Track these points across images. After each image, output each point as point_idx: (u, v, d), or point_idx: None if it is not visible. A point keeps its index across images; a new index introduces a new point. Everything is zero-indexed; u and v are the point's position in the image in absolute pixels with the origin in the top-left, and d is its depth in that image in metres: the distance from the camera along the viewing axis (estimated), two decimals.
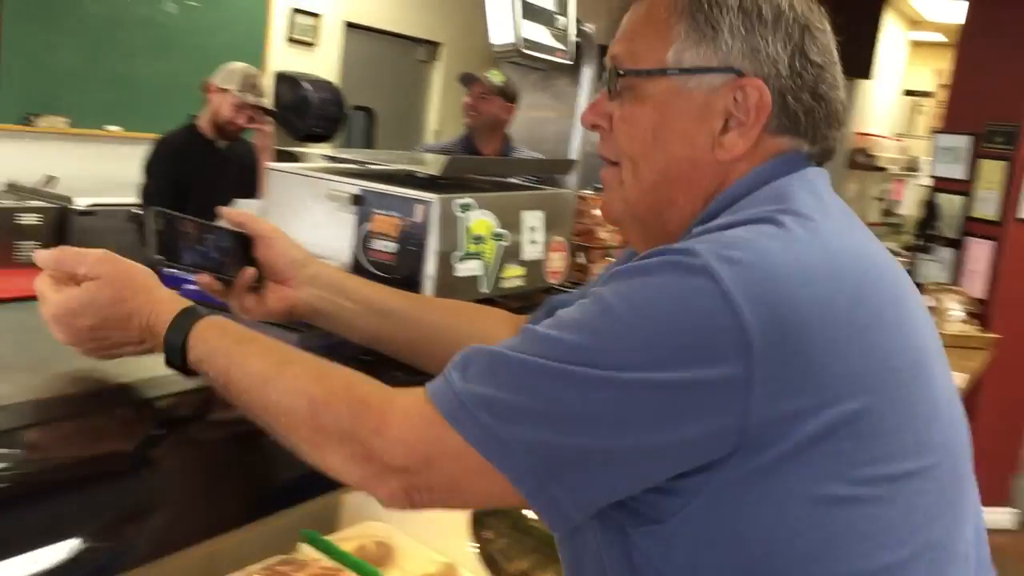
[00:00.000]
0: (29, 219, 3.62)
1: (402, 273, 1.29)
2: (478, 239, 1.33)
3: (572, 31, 1.50)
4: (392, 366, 1.16)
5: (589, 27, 1.57)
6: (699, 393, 0.73)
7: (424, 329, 1.14)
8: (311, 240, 1.36)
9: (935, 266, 4.84)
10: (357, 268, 1.32)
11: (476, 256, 1.33)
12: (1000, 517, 4.51)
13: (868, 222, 8.27)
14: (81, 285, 0.95)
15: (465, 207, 1.31)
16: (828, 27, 0.91)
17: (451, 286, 1.30)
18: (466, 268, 1.32)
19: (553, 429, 0.74)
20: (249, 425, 0.88)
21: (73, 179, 4.14)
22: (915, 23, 9.31)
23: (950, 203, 4.76)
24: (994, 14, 4.55)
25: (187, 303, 0.95)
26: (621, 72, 0.91)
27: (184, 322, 0.91)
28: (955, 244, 4.69)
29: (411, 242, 1.28)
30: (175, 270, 1.13)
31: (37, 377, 1.01)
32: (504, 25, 1.37)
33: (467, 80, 3.80)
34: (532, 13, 1.41)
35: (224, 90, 3.52)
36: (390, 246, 1.29)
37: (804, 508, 0.76)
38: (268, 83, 5.30)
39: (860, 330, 0.77)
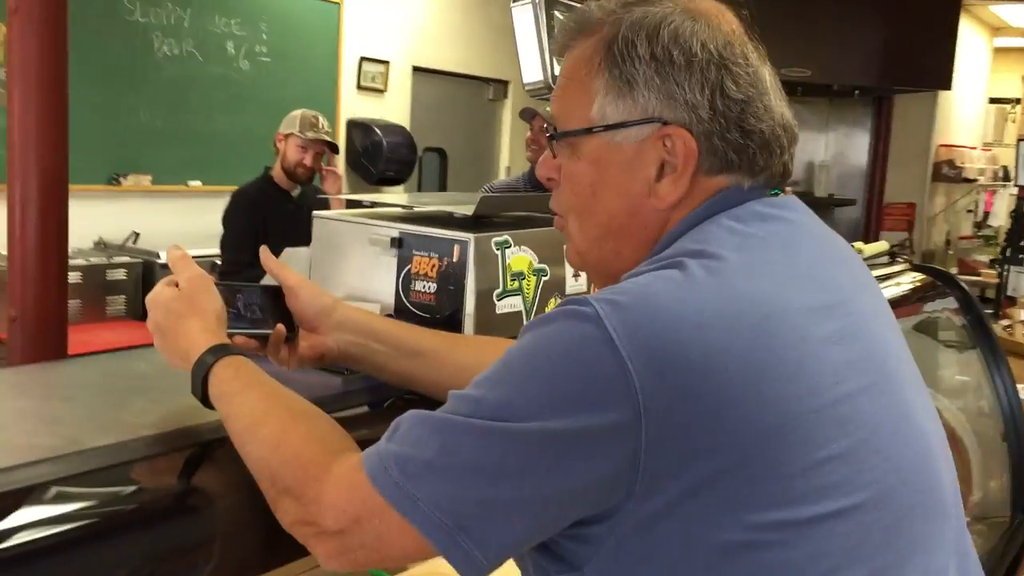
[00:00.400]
0: (116, 274, 3.80)
1: (443, 313, 1.31)
2: (518, 275, 1.35)
3: None
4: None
5: None
6: (590, 440, 0.74)
7: (453, 367, 1.15)
8: (356, 285, 1.40)
9: None
10: (400, 310, 1.35)
11: (516, 292, 1.35)
12: None
13: (960, 235, 8.04)
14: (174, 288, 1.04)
15: (502, 244, 1.32)
16: (752, 56, 0.90)
17: (492, 323, 1.31)
18: (506, 305, 1.33)
19: (455, 482, 0.77)
20: None
21: (157, 234, 4.32)
22: (997, 29, 9.06)
23: None
24: None
25: (223, 339, 1.00)
26: (553, 132, 0.94)
27: (209, 358, 0.96)
28: None
29: (450, 282, 1.30)
30: None
31: (121, 425, 1.05)
32: (533, 64, 1.39)
33: (528, 115, 3.85)
34: None
35: (287, 135, 3.69)
36: (430, 286, 1.32)
37: (705, 554, 0.77)
38: (340, 131, 5.45)
39: (756, 374, 0.76)
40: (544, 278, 1.40)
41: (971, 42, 8.42)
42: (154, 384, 1.16)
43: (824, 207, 7.58)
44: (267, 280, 1.22)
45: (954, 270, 7.65)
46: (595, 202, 0.92)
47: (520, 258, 1.35)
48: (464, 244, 1.28)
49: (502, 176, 6.56)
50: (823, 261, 0.90)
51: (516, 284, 1.35)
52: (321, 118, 3.74)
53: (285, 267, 1.16)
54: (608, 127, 0.89)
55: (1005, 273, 4.71)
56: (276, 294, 1.14)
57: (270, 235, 3.58)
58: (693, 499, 0.75)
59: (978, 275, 7.17)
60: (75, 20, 4.11)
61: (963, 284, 2.63)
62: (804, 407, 0.78)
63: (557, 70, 1.42)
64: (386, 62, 5.66)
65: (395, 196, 1.53)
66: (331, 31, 5.31)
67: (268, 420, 0.91)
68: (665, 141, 0.87)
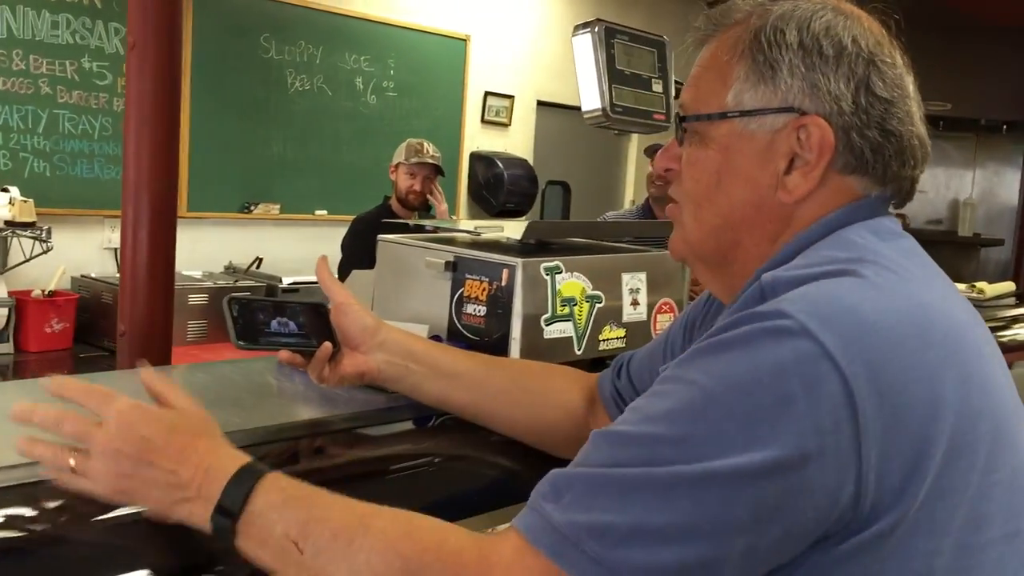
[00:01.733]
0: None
1: (491, 336, 1.32)
2: (568, 301, 1.35)
3: (671, 94, 1.50)
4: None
5: None
6: (816, 462, 0.68)
7: (490, 389, 1.16)
8: (414, 307, 1.43)
9: None
10: (452, 333, 1.37)
11: (566, 318, 1.35)
12: None
13: None
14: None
15: (553, 270, 1.33)
16: (899, 60, 0.88)
17: (540, 348, 1.31)
18: (555, 330, 1.34)
19: (669, 544, 0.68)
20: None
21: (283, 260, 4.51)
22: None
23: None
24: None
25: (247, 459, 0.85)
26: (684, 117, 0.92)
27: (253, 468, 0.82)
28: None
29: (498, 305, 1.31)
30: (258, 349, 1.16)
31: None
32: (591, 92, 1.40)
33: (651, 151, 3.85)
34: (623, 79, 1.43)
35: (397, 165, 3.86)
36: (480, 310, 1.34)
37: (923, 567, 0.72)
38: (463, 164, 5.57)
39: (950, 388, 0.73)
40: (598, 305, 1.39)
41: None
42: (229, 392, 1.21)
43: (969, 246, 7.20)
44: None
45: None
46: (718, 191, 0.89)
47: (572, 284, 1.35)
48: (512, 268, 1.30)
49: (626, 209, 6.55)
50: (948, 284, 0.88)
51: (567, 310, 1.35)
52: (427, 144, 3.86)
53: (336, 283, 1.19)
54: (744, 113, 0.87)
55: None
56: (321, 312, 1.17)
57: None
58: (904, 523, 0.71)
59: None
60: (216, 59, 4.43)
61: None
62: (988, 426, 0.76)
63: (616, 98, 1.43)
64: (511, 96, 5.76)
65: (482, 223, 1.56)
66: (457, 66, 5.46)
67: (377, 514, 0.79)
68: (800, 133, 0.85)
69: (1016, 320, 2.64)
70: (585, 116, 1.43)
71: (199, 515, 0.80)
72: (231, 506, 0.79)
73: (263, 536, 0.78)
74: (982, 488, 0.74)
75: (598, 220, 3.94)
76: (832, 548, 0.71)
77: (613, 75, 1.41)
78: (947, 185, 7.54)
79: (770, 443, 0.68)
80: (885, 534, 0.71)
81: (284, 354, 1.16)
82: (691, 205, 0.92)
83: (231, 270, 4.40)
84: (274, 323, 1.15)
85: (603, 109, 1.40)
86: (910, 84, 0.88)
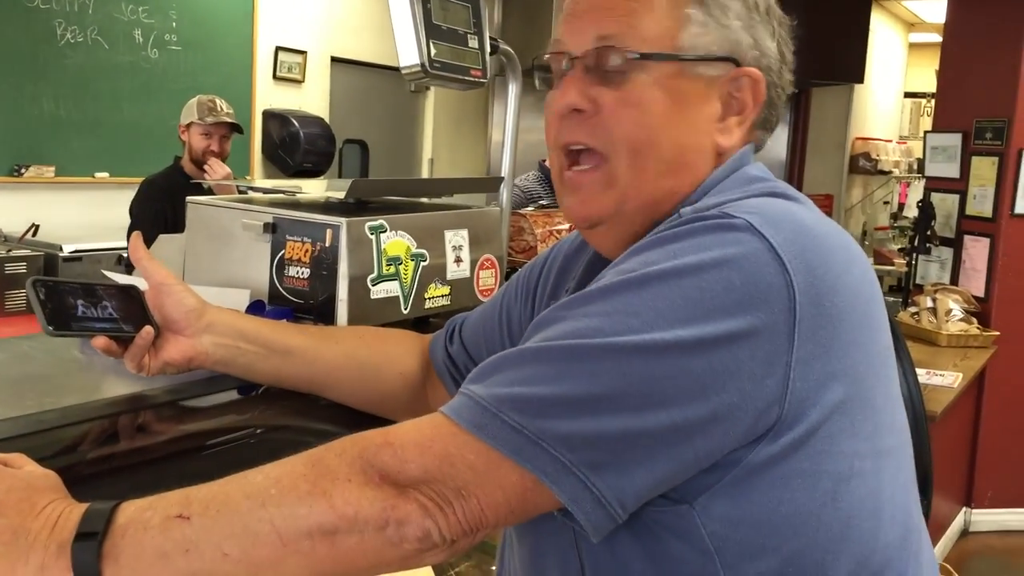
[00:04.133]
0: (16, 267, 3.67)
1: (316, 299, 1.29)
2: (394, 260, 1.33)
3: (486, 50, 1.50)
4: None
5: (506, 47, 1.57)
6: (749, 344, 0.69)
7: (325, 364, 1.13)
8: (231, 271, 1.37)
9: (934, 266, 4.79)
10: (273, 296, 1.32)
11: (392, 278, 1.33)
12: (1013, 518, 4.42)
13: (877, 226, 8.23)
14: None
15: (377, 229, 1.31)
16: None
17: (367, 309, 1.29)
18: (381, 290, 1.32)
19: (592, 416, 0.68)
20: None
21: (63, 227, 4.19)
22: (912, 25, 9.29)
23: (944, 202, 4.72)
24: (974, 11, 4.52)
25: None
26: (630, 54, 0.84)
27: (100, 507, 0.71)
28: (953, 243, 4.65)
29: (323, 267, 1.28)
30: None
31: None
32: (409, 48, 1.38)
33: None
34: (440, 34, 1.42)
35: (188, 125, 3.61)
36: (303, 272, 1.30)
37: (825, 484, 0.74)
38: (256, 122, 5.36)
39: (865, 303, 0.77)
40: (423, 263, 1.38)
41: (886, 37, 8.62)
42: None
43: None
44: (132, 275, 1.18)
45: (870, 260, 7.83)
46: (662, 134, 0.85)
47: (396, 243, 1.34)
48: (336, 228, 1.26)
49: (424, 168, 6.53)
50: None
51: (392, 269, 1.33)
52: (219, 100, 3.64)
53: (154, 261, 1.10)
54: (697, 57, 0.85)
55: (913, 262, 4.82)
56: (134, 294, 1.07)
57: (179, 226, 3.49)
58: (826, 425, 0.73)
59: (892, 264, 7.35)
60: None
61: None
62: (886, 342, 0.81)
63: (434, 53, 1.41)
64: (303, 52, 5.58)
65: (268, 182, 1.50)
66: (245, 19, 5.22)
67: (271, 465, 0.72)
68: (741, 81, 0.87)
69: None
70: (403, 72, 1.40)
71: (51, 565, 0.67)
72: (92, 527, 0.68)
73: (138, 539, 0.67)
74: (883, 397, 0.79)
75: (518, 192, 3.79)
76: (760, 448, 0.72)
77: (430, 30, 1.39)
78: None
79: (702, 322, 0.69)
80: (811, 433, 0.72)
81: (99, 341, 1.04)
82: (629, 152, 0.86)
83: (3, 238, 4.04)
84: (86, 307, 1.04)
85: (421, 64, 1.38)
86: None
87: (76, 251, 3.85)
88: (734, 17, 0.87)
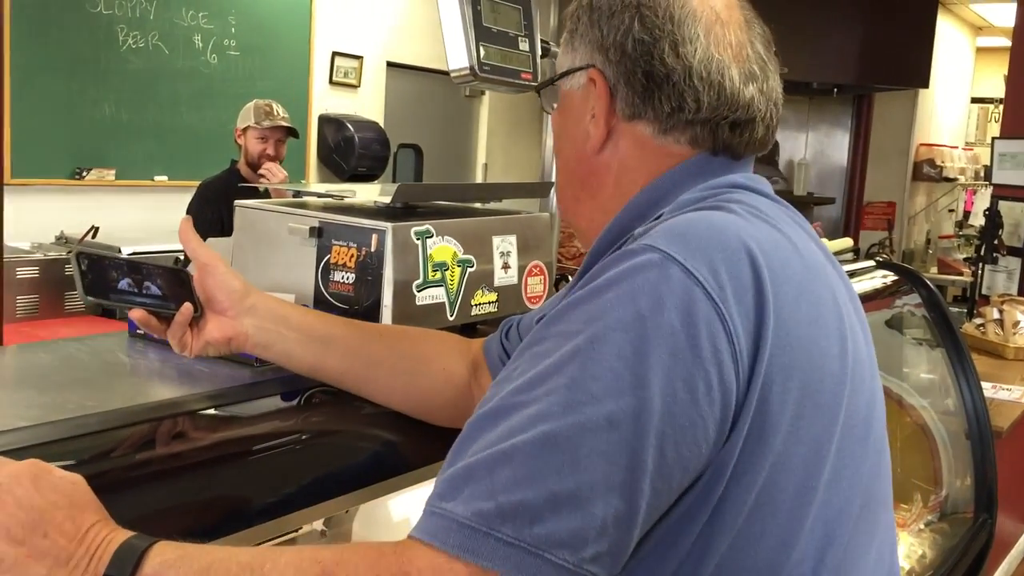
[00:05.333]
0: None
1: (361, 304, 1.27)
2: (440, 266, 1.31)
3: (537, 53, 1.48)
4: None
5: (557, 49, 1.54)
6: (704, 381, 0.69)
7: (366, 356, 1.12)
8: (277, 276, 1.36)
9: (1001, 276, 4.65)
10: (319, 301, 1.31)
11: (438, 284, 1.31)
12: None
13: (941, 234, 8.05)
14: None
15: (423, 234, 1.28)
16: (663, 3, 0.88)
17: (412, 315, 1.27)
18: (427, 296, 1.30)
19: (584, 506, 0.65)
20: None
21: (121, 229, 4.25)
22: (980, 29, 9.06)
23: (1012, 211, 4.58)
24: None
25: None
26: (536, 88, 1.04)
27: (138, 543, 0.72)
28: (1021, 253, 4.50)
29: (368, 272, 1.26)
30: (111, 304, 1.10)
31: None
32: (458, 50, 1.36)
33: None
34: (489, 37, 1.39)
35: (245, 129, 3.63)
36: (349, 277, 1.28)
37: (730, 508, 0.73)
38: (312, 126, 5.40)
39: (802, 325, 0.76)
40: (470, 269, 1.36)
41: (953, 41, 8.42)
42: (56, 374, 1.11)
43: (804, 205, 7.57)
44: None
45: (934, 270, 7.64)
46: (560, 151, 0.98)
47: (443, 248, 1.31)
48: (382, 233, 1.25)
49: (478, 173, 6.53)
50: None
51: (438, 275, 1.31)
52: (275, 105, 3.67)
53: (201, 243, 1.11)
54: (561, 75, 0.95)
55: (979, 272, 4.68)
56: (183, 276, 1.08)
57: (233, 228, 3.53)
58: (790, 441, 0.73)
59: (960, 274, 7.16)
60: (37, 11, 4.09)
61: (928, 282, 2.62)
62: (837, 368, 0.79)
63: (484, 56, 1.39)
64: (359, 57, 5.61)
65: (335, 186, 1.48)
66: (302, 25, 5.26)
67: (285, 550, 0.73)
68: (591, 86, 0.91)
69: (854, 274, 2.79)
70: (452, 75, 1.38)
71: None
72: (121, 570, 0.69)
73: None
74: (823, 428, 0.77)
75: None
76: (719, 474, 0.72)
77: (480, 32, 1.36)
78: (783, 147, 7.88)
79: (661, 377, 0.68)
80: (771, 453, 0.73)
81: (138, 313, 1.06)
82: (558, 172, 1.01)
83: (63, 240, 4.11)
84: (129, 283, 1.06)
85: (471, 67, 1.36)
86: (693, 23, 0.86)
87: (134, 253, 3.91)
88: (582, 27, 0.92)
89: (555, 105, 0.97)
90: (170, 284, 1.07)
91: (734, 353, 0.70)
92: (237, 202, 1.43)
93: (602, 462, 0.65)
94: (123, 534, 0.72)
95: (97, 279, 1.05)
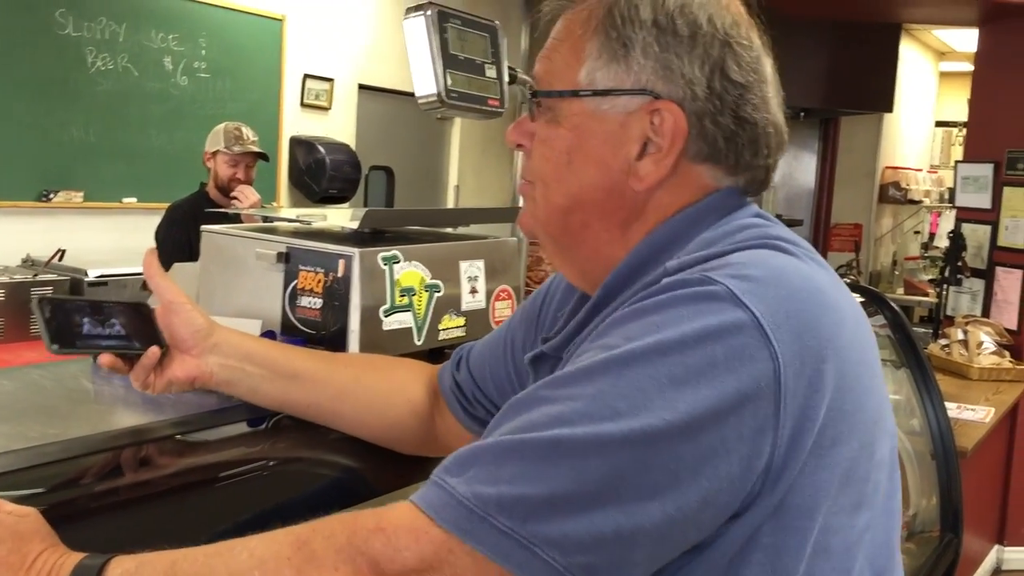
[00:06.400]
0: (42, 292, 3.70)
1: (328, 329, 1.27)
2: (407, 291, 1.32)
3: (504, 79, 1.49)
4: None
5: (525, 76, 1.55)
6: (735, 421, 0.67)
7: (331, 389, 1.11)
8: (244, 301, 1.36)
9: (965, 298, 4.71)
10: (286, 327, 1.31)
11: (406, 309, 1.31)
12: None
13: (907, 256, 8.14)
14: None
15: (390, 259, 1.29)
16: (756, 41, 0.85)
17: (380, 340, 1.27)
18: (394, 321, 1.30)
19: (583, 513, 0.64)
20: None
21: (89, 252, 4.21)
22: (943, 54, 9.22)
23: (975, 233, 4.65)
24: (1005, 40, 4.47)
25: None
26: (536, 92, 0.88)
27: (93, 561, 0.73)
28: (984, 275, 4.57)
29: (335, 297, 1.26)
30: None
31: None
32: (426, 77, 1.36)
33: None
34: (457, 64, 1.40)
35: (214, 153, 3.61)
36: (315, 302, 1.28)
37: (788, 561, 0.71)
38: (283, 148, 5.39)
39: (855, 366, 0.74)
40: (437, 294, 1.36)
41: (917, 66, 8.56)
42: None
43: None
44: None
45: (900, 291, 7.74)
46: (569, 171, 0.85)
47: (410, 273, 1.32)
48: (349, 258, 1.25)
49: (450, 195, 6.53)
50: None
51: (406, 300, 1.31)
52: (244, 128, 3.66)
53: (166, 279, 1.10)
54: (596, 92, 0.83)
55: (944, 293, 4.75)
56: (144, 311, 1.08)
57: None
58: (803, 500, 0.70)
59: (927, 295, 7.25)
60: (4, 33, 4.07)
61: (893, 304, 2.65)
62: (875, 408, 0.77)
63: (451, 83, 1.40)
64: (331, 79, 5.61)
65: (306, 210, 1.49)
66: (273, 47, 5.25)
67: (249, 538, 0.73)
68: (654, 117, 0.81)
69: None
70: (420, 102, 1.39)
71: None
72: None
73: None
74: (864, 470, 0.76)
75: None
76: (733, 526, 0.70)
77: (447, 60, 1.37)
78: None
79: (688, 404, 0.66)
80: (786, 508, 0.70)
81: (105, 358, 1.04)
82: (540, 183, 0.89)
83: (30, 263, 4.07)
84: (93, 325, 1.04)
85: (438, 94, 1.36)
86: (767, 67, 0.86)
87: (102, 276, 3.88)
88: (641, 48, 0.81)
89: (559, 117, 0.86)
90: (132, 320, 1.06)
91: (778, 398, 0.67)
92: (204, 227, 1.43)
93: (610, 476, 0.65)
94: (75, 557, 0.72)
95: (62, 325, 1.02)
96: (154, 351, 1.04)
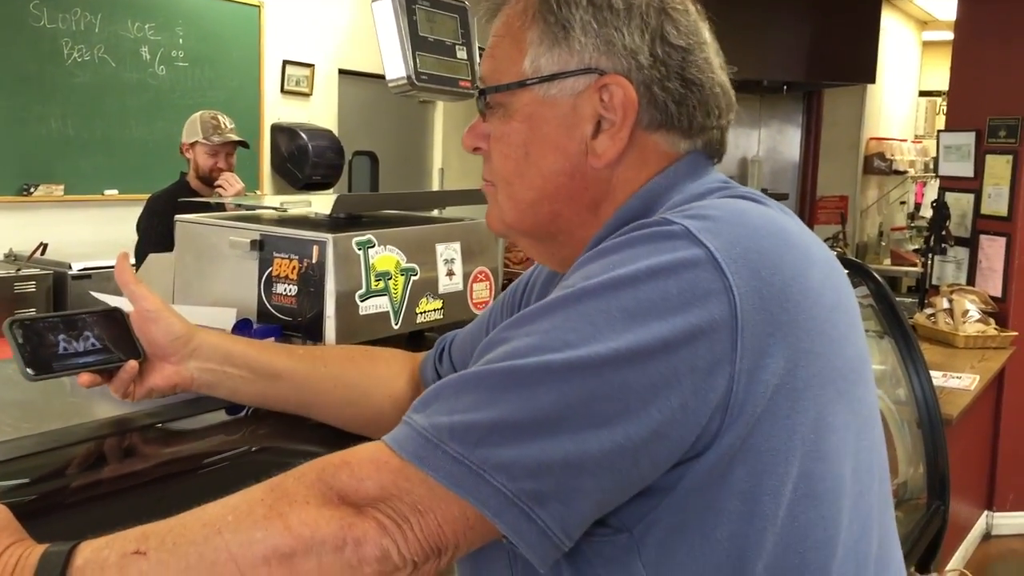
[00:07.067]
0: (25, 286, 3.69)
1: (304, 316, 1.27)
2: (383, 275, 1.31)
3: (476, 60, 1.49)
4: None
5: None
6: (687, 352, 0.67)
7: (313, 388, 1.10)
8: (220, 290, 1.36)
9: (950, 267, 4.73)
10: (262, 314, 1.31)
11: (382, 293, 1.31)
12: None
13: (893, 226, 8.17)
14: None
15: (365, 244, 1.29)
16: (691, 7, 0.86)
17: (356, 325, 1.27)
18: (371, 306, 1.30)
19: (533, 444, 0.66)
20: None
21: (71, 244, 4.21)
22: (925, 23, 9.21)
23: (959, 202, 4.66)
24: (986, 7, 4.47)
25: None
26: (483, 90, 0.88)
27: (59, 548, 0.71)
28: (968, 243, 4.59)
29: (310, 284, 1.26)
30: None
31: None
32: (395, 60, 1.36)
33: None
34: (426, 46, 1.40)
35: (192, 144, 3.57)
36: (291, 289, 1.28)
37: (766, 507, 0.71)
38: (264, 136, 5.37)
39: (827, 311, 0.74)
40: (413, 277, 1.36)
41: (899, 36, 8.55)
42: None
43: None
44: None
45: (887, 261, 7.76)
46: (528, 164, 0.86)
47: (386, 258, 1.32)
48: (323, 244, 1.25)
49: (434, 179, 6.52)
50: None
51: (381, 284, 1.31)
52: (221, 116, 3.62)
53: (142, 286, 1.06)
54: (543, 79, 0.83)
55: (929, 262, 4.76)
56: (118, 317, 1.05)
57: None
58: (770, 442, 0.70)
59: (914, 265, 7.27)
60: None
61: (876, 275, 2.66)
62: (854, 353, 0.77)
63: (420, 65, 1.39)
64: (311, 65, 5.59)
65: (288, 197, 1.48)
66: (251, 34, 5.23)
67: (222, 500, 0.72)
68: (603, 94, 0.82)
69: None
70: (390, 85, 1.39)
71: None
72: (50, 572, 0.68)
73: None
74: (842, 419, 0.75)
75: None
76: (698, 465, 0.70)
77: (416, 42, 1.37)
78: (736, 144, 7.96)
79: (637, 332, 0.67)
80: (753, 449, 0.70)
81: (84, 378, 1.01)
82: (503, 183, 0.89)
83: (12, 257, 4.05)
84: (68, 342, 1.00)
85: (408, 77, 1.36)
86: (705, 31, 0.87)
87: (85, 269, 3.86)
88: (580, 27, 0.82)
89: (511, 112, 0.86)
90: (108, 330, 1.03)
91: (734, 332, 0.68)
92: (178, 217, 1.42)
93: (558, 404, 0.66)
94: (40, 548, 0.71)
95: (36, 348, 0.98)
96: (132, 365, 1.03)
